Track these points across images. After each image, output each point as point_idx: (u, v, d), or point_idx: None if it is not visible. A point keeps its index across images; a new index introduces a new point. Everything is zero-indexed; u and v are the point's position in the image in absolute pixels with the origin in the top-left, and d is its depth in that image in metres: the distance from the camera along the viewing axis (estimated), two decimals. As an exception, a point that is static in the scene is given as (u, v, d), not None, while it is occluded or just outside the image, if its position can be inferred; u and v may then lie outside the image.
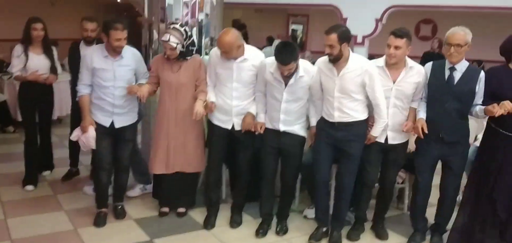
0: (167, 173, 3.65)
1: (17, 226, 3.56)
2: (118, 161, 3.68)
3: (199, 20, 4.28)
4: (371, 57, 3.88)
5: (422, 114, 3.30)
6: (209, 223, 3.68)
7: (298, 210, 4.03)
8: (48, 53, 4.20)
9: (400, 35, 3.17)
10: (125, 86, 3.47)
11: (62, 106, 6.47)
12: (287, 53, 3.14)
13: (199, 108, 3.42)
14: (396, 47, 3.17)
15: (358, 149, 3.31)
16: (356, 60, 3.21)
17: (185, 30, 3.44)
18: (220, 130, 3.58)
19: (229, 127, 3.54)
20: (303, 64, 3.33)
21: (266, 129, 3.48)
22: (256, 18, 11.28)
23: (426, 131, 3.20)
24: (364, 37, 7.25)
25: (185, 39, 3.42)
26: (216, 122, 3.59)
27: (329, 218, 3.57)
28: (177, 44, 3.37)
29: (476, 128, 4.25)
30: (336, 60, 3.14)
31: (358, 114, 3.26)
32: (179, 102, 3.54)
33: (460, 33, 3.13)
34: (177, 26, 3.43)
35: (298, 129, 3.45)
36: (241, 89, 3.46)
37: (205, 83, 3.56)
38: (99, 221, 3.62)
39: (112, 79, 3.45)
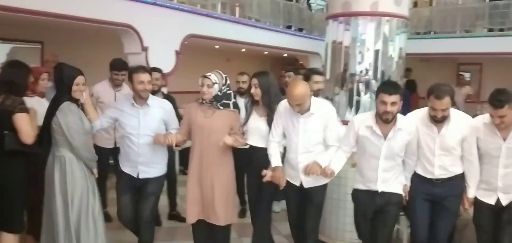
0: (198, 219, 3.40)
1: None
2: (139, 218, 3.45)
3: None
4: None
5: None
6: None
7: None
8: None
9: (499, 105, 2.82)
10: (151, 135, 3.38)
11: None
12: (391, 83, 3.16)
13: (228, 139, 3.23)
14: (501, 117, 2.86)
15: (456, 204, 3.19)
16: (458, 116, 3.08)
17: (226, 77, 3.35)
18: (290, 185, 3.34)
19: (298, 184, 3.31)
20: (402, 119, 3.08)
21: (359, 192, 3.24)
22: (422, 67, 10.80)
23: None
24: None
25: (223, 84, 3.30)
26: (286, 177, 3.33)
27: None
28: (216, 83, 3.25)
29: None
30: (443, 120, 3.00)
31: (457, 168, 3.13)
32: (210, 148, 3.30)
33: None
34: (220, 71, 3.36)
35: (396, 188, 3.18)
36: (307, 145, 3.21)
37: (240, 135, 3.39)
38: None
39: (136, 127, 3.38)
